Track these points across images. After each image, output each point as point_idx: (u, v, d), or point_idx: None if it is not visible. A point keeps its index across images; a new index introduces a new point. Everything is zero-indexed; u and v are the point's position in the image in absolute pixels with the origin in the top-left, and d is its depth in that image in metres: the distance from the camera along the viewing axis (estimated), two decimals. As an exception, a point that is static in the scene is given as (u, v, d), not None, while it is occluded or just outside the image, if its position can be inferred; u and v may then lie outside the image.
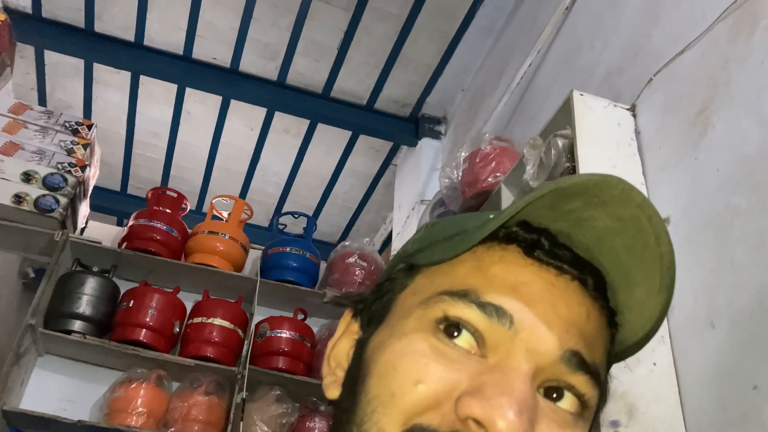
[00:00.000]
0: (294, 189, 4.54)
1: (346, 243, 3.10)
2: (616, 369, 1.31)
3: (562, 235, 0.48)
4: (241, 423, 2.36)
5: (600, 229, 0.47)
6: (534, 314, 0.44)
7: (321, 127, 4.01)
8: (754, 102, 1.34)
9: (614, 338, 0.50)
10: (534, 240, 0.48)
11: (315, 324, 2.88)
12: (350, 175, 4.38)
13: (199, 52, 3.67)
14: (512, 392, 0.41)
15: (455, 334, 0.45)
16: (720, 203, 1.36)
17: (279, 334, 2.66)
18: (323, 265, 3.10)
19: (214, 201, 3.07)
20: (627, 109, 1.77)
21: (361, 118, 3.89)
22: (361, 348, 0.49)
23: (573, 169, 1.60)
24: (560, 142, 1.67)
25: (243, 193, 4.51)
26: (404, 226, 3.67)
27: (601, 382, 0.46)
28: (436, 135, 3.86)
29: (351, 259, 2.98)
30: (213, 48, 3.66)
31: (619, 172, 1.60)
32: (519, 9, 3.14)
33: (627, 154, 1.67)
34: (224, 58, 3.69)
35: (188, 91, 3.86)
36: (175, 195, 2.98)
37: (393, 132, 3.97)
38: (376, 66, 3.64)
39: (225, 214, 3.04)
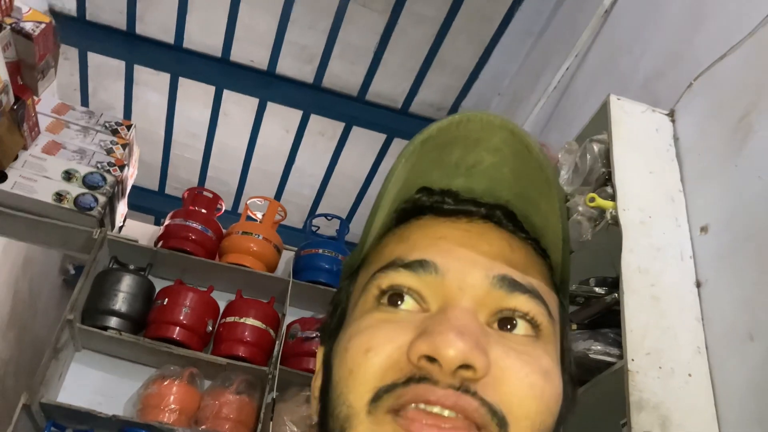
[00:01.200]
0: (328, 191, 4.56)
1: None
2: (649, 379, 1.27)
3: (463, 190, 0.51)
4: (271, 423, 2.37)
5: (488, 169, 0.49)
6: (456, 257, 0.47)
7: (356, 130, 4.03)
8: (799, 108, 1.30)
9: (552, 267, 0.52)
10: (439, 200, 0.51)
11: (346, 326, 2.88)
12: (384, 178, 4.38)
13: (237, 55, 3.72)
14: (450, 322, 0.43)
15: (399, 303, 0.47)
16: (762, 212, 1.32)
17: (310, 336, 2.67)
18: (355, 268, 3.09)
19: (248, 202, 3.10)
20: (666, 115, 1.74)
21: (395, 122, 3.89)
22: (327, 361, 0.50)
23: (608, 175, 1.58)
24: (596, 147, 1.64)
25: (278, 195, 4.55)
26: (437, 230, 3.65)
27: (544, 300, 0.47)
28: (471, 139, 3.84)
29: (383, 262, 2.97)
30: (251, 50, 3.70)
31: (657, 179, 1.57)
32: (557, 12, 3.11)
33: (665, 160, 1.64)
34: (262, 61, 3.73)
35: (226, 92, 3.92)
36: (210, 195, 3.02)
37: (428, 135, 3.95)
38: (411, 69, 3.64)
39: (259, 215, 3.07)
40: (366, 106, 3.85)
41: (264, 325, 2.63)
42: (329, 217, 3.31)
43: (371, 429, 0.43)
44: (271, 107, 3.96)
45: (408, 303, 0.46)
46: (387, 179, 0.49)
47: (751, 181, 1.37)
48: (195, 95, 4.00)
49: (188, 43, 3.69)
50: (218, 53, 3.72)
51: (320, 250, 2.97)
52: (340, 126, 4.03)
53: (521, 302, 0.46)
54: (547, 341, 0.47)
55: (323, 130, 4.10)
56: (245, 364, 2.51)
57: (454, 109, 3.82)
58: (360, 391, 0.44)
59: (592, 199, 1.52)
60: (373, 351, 0.44)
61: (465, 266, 0.47)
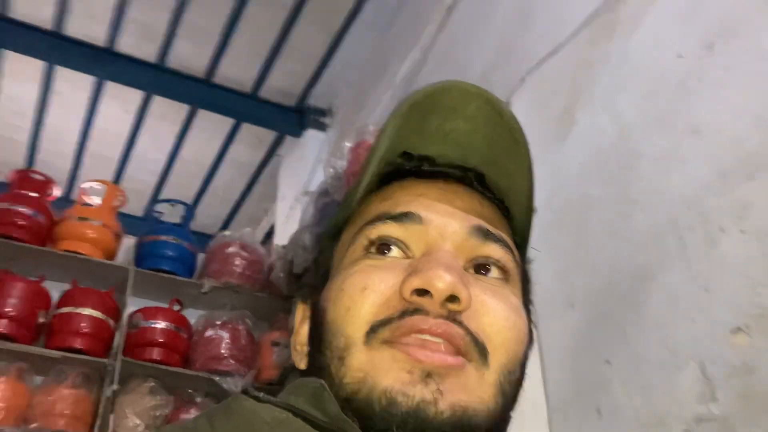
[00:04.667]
0: (171, 178, 4.39)
1: (226, 233, 3.04)
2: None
3: (440, 157, 0.56)
4: (112, 416, 2.26)
5: (463, 136, 0.55)
6: (436, 210, 0.53)
7: (202, 114, 3.91)
8: (610, 101, 1.46)
9: (513, 228, 0.58)
10: (418, 165, 0.57)
11: (192, 315, 2.81)
12: (232, 164, 4.30)
13: (72, 29, 3.47)
14: (439, 260, 0.48)
15: (386, 251, 0.52)
16: (578, 193, 1.47)
17: (153, 325, 2.57)
18: (201, 256, 3.02)
19: (84, 186, 2.91)
20: (501, 106, 1.87)
21: (244, 106, 3.83)
22: (315, 311, 0.54)
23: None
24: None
25: (116, 181, 4.30)
26: (287, 217, 3.65)
27: (511, 249, 0.54)
28: (322, 127, 3.87)
29: (231, 249, 2.92)
30: (87, 25, 3.47)
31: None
32: (403, 6, 3.22)
33: (500, 148, 1.76)
34: (99, 37, 3.51)
35: (58, 69, 3.64)
36: (42, 178, 2.80)
37: (277, 122, 3.94)
38: (261, 54, 3.60)
39: (97, 201, 2.89)
40: (213, 89, 3.75)
41: (103, 315, 2.49)
42: (173, 203, 3.20)
43: (370, 355, 0.46)
44: (110, 87, 3.74)
45: (394, 252, 0.51)
46: (378, 140, 0.52)
47: (571, 166, 1.53)
48: (22, 71, 3.67)
49: (14, 12, 3.38)
50: (49, 26, 3.44)
51: (164, 237, 2.87)
52: (184, 109, 3.89)
53: (493, 250, 0.52)
54: (514, 285, 0.54)
55: (166, 112, 3.94)
56: (82, 356, 2.37)
57: (304, 96, 3.83)
58: (357, 324, 0.48)
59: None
60: (369, 289, 0.49)
61: (444, 217, 0.52)
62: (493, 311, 0.49)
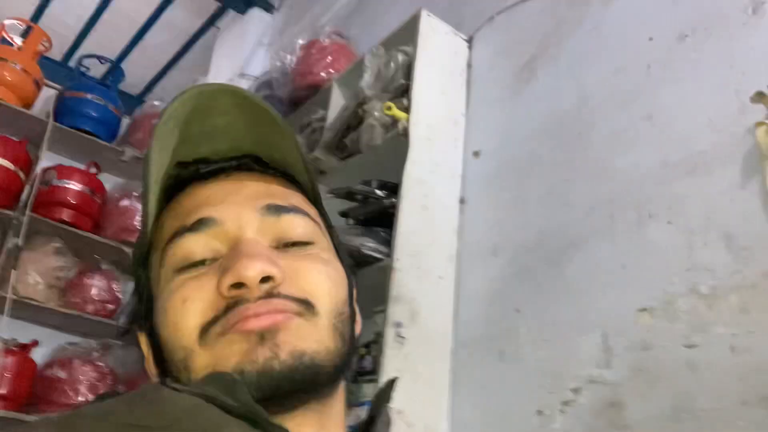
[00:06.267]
0: (99, 27, 4.09)
1: (156, 102, 2.92)
2: (409, 277, 1.43)
3: (213, 154, 0.59)
4: (14, 272, 2.21)
5: (225, 129, 0.57)
6: (226, 205, 0.55)
7: (144, -33, 3.63)
8: (575, 66, 1.49)
9: (306, 191, 0.62)
10: (194, 168, 0.59)
11: (108, 181, 2.73)
12: (167, 27, 4.04)
13: None
14: (242, 251, 0.51)
15: (198, 265, 0.53)
16: (527, 150, 1.52)
17: (67, 185, 2.48)
18: (125, 121, 2.90)
19: (6, 23, 2.68)
20: (465, 40, 1.86)
21: (191, -31, 3.58)
22: (152, 337, 0.55)
23: (407, 88, 1.67)
24: (401, 58, 1.72)
25: (35, 19, 3.97)
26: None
27: (306, 212, 0.58)
28: (268, 8, 3.69)
29: (158, 120, 2.81)
30: None
31: (447, 100, 1.71)
32: None
33: (457, 84, 1.77)
34: None
35: None
36: (-43, 5, 2.55)
37: (223, -8, 3.72)
38: None
39: (18, 42, 2.68)
40: (161, -56, 3.47)
41: (12, 166, 2.38)
42: (103, 60, 3.01)
43: (209, 352, 0.49)
44: None
45: (207, 262, 0.53)
46: (145, 164, 0.52)
47: (525, 120, 1.57)
48: None
49: None
50: None
51: (89, 96, 2.72)
52: (126, -43, 3.59)
53: (289, 220, 0.55)
54: (319, 242, 0.57)
55: (105, -44, 3.62)
56: (-14, 205, 2.27)
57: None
58: (188, 333, 0.50)
59: (389, 108, 1.61)
60: (189, 299, 0.51)
61: (236, 209, 0.54)
62: (306, 272, 0.53)
